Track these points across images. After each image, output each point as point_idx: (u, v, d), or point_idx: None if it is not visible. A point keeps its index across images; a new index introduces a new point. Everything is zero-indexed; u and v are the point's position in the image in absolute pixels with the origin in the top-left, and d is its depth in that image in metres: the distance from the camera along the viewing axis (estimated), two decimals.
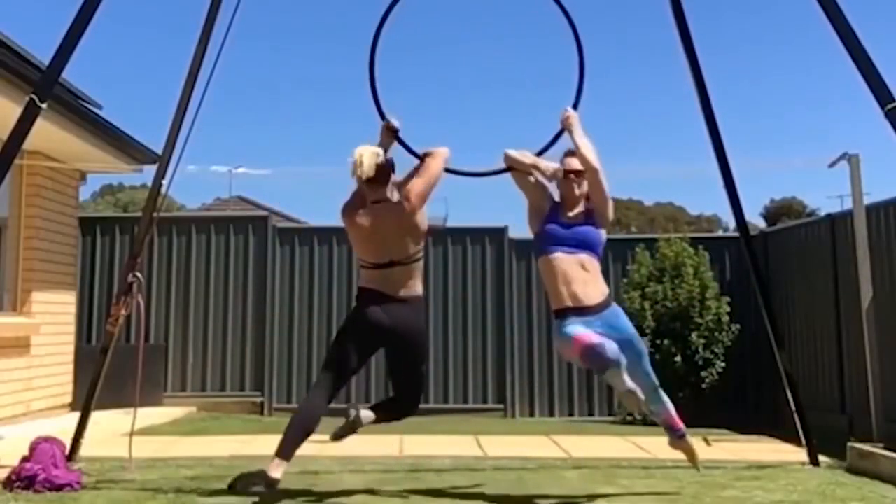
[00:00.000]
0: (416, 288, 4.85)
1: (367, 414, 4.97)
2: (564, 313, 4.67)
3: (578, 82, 5.31)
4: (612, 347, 4.40)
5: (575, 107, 5.14)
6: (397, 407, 5.06)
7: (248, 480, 4.70)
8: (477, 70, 74.89)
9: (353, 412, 4.93)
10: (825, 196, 76.32)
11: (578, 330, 4.51)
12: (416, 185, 4.82)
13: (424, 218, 4.88)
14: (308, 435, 4.66)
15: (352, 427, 4.92)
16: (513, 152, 4.99)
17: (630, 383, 4.51)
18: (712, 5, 63.62)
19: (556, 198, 4.95)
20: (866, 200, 7.45)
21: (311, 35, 77.43)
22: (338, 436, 4.96)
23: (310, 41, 79.23)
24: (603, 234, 4.93)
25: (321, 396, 4.78)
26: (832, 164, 7.53)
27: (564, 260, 4.73)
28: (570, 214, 4.85)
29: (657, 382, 4.86)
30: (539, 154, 5.10)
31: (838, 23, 5.00)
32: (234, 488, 4.76)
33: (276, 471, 4.51)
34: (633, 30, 73.31)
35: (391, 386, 5.11)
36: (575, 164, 4.85)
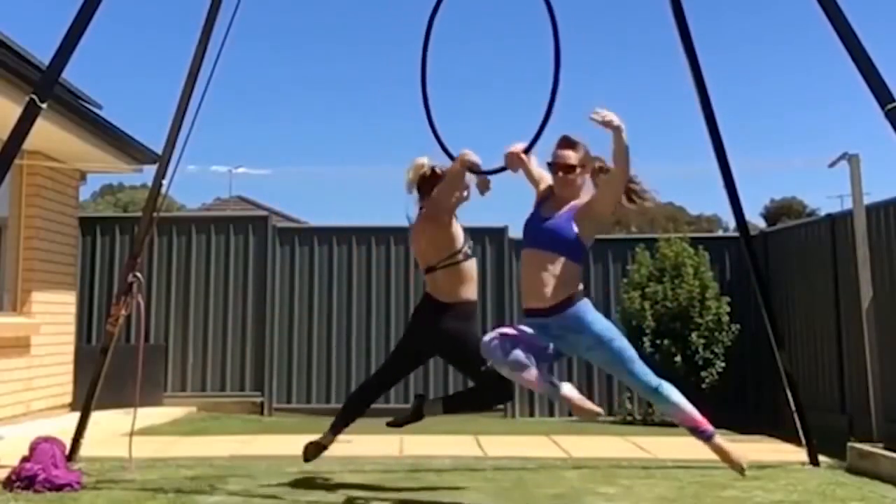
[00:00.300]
0: (461, 292, 4.93)
1: (433, 405, 5.10)
2: (525, 313, 4.44)
3: (553, 84, 4.72)
4: (487, 343, 4.17)
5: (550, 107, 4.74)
6: (478, 399, 5.21)
7: (313, 451, 5.17)
8: (477, 69, 74.88)
9: (418, 401, 5.09)
10: (825, 196, 76.40)
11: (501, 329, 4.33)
12: (433, 191, 4.98)
13: (447, 221, 4.95)
14: (353, 419, 5.11)
15: (415, 415, 5.07)
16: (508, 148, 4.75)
17: (545, 382, 4.22)
18: (712, 5, 63.64)
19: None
20: (866, 200, 7.45)
21: (312, 35, 77.48)
22: (397, 423, 5.16)
23: (310, 41, 79.27)
24: (578, 231, 4.34)
25: (372, 388, 5.30)
26: (832, 164, 7.53)
27: (529, 258, 4.39)
28: (552, 210, 4.42)
29: (654, 382, 4.38)
30: (528, 149, 4.74)
31: (838, 23, 5.00)
32: (308, 460, 5.19)
33: (325, 440, 5.14)
34: (633, 29, 73.31)
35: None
36: (568, 157, 4.38)
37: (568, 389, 4.32)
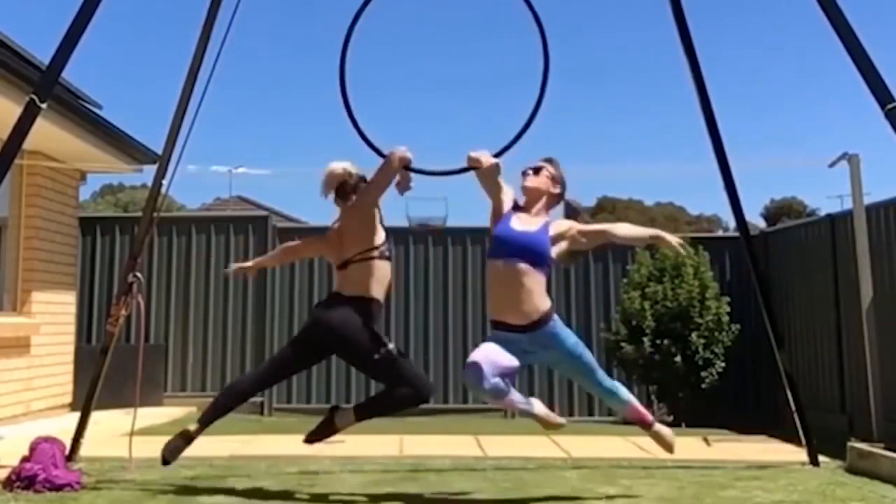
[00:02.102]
0: (370, 287, 4.80)
1: (344, 414, 4.86)
2: (497, 326, 4.49)
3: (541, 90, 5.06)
4: (468, 372, 4.24)
5: (532, 118, 5.02)
6: (389, 401, 4.85)
7: (176, 446, 4.97)
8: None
9: (329, 413, 4.91)
10: (825, 196, 76.21)
11: (482, 346, 4.40)
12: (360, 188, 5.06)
13: (372, 214, 4.92)
14: (225, 414, 5.01)
15: (328, 427, 4.86)
16: (475, 154, 4.68)
17: (522, 404, 4.50)
18: (712, 5, 63.67)
19: (520, 202, 4.71)
20: (866, 200, 7.47)
21: (312, 34, 77.47)
22: (313, 438, 4.91)
23: (310, 40, 79.27)
24: (550, 248, 4.50)
25: (255, 382, 5.14)
26: (832, 164, 7.56)
27: (506, 271, 4.41)
28: (528, 223, 4.55)
29: (610, 386, 4.75)
30: (499, 154, 4.86)
31: (838, 23, 5.00)
32: (167, 462, 4.94)
33: (193, 433, 4.98)
34: (632, 29, 73.33)
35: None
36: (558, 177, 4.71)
37: (538, 408, 4.64)
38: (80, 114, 8.24)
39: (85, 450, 5.86)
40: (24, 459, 4.98)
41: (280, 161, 69.66)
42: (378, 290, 4.84)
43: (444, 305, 10.61)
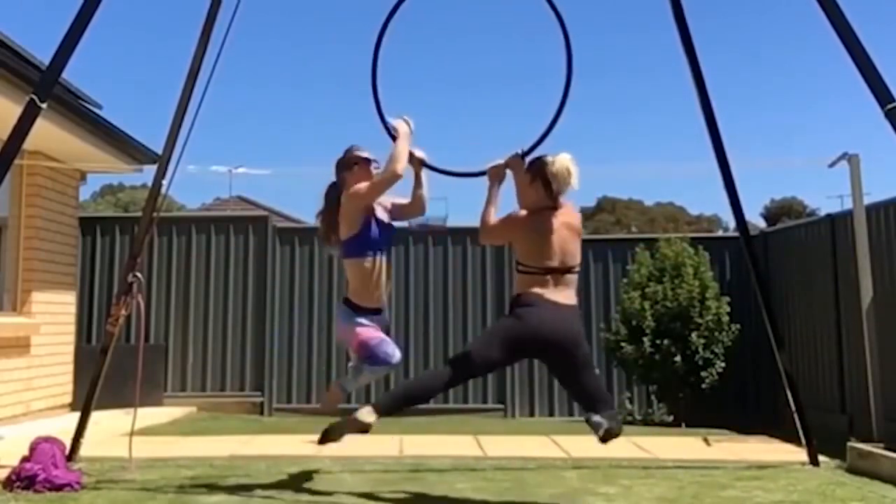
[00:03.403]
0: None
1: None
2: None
3: (566, 85, 5.10)
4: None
5: (560, 109, 5.06)
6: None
7: (339, 429, 4.50)
8: (470, 66, 74.85)
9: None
10: (825, 196, 76.24)
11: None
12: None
13: None
14: (412, 403, 4.57)
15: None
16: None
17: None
18: (712, 5, 63.68)
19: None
20: (866, 200, 7.46)
21: (312, 34, 77.50)
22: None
23: (310, 40, 79.28)
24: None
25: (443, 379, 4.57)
26: (832, 164, 7.56)
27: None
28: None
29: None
30: (529, 152, 4.89)
31: (838, 23, 5.00)
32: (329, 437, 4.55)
33: (370, 417, 4.37)
34: (631, 29, 73.35)
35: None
36: None
37: None
38: (80, 114, 8.24)
39: (85, 450, 5.86)
40: (24, 459, 4.98)
41: (280, 161, 69.74)
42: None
43: (443, 305, 10.60)
